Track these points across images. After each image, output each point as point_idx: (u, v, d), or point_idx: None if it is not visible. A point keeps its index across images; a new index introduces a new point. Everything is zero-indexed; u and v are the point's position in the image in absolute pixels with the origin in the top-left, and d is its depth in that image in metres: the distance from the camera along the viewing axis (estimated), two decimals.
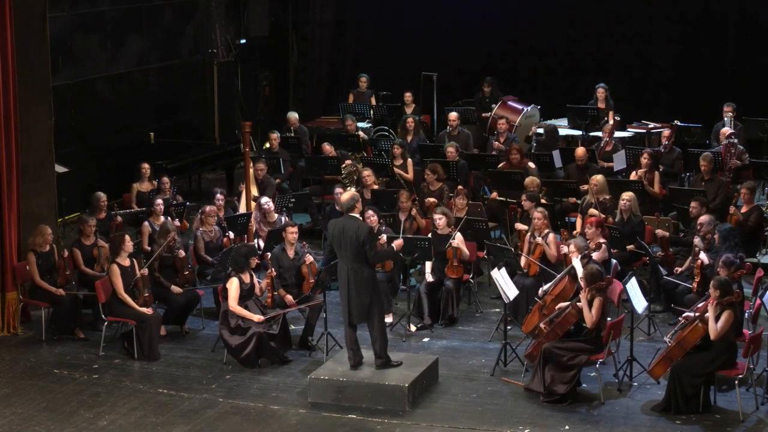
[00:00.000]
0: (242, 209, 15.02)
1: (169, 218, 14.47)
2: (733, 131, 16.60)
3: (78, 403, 11.41)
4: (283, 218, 14.81)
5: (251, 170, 15.27)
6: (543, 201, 14.70)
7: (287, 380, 11.88)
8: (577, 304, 11.30)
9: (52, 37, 14.48)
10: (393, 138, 18.22)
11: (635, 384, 11.53)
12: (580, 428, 10.69)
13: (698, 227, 13.16)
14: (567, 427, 10.71)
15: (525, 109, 19.11)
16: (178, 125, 19.99)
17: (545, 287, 12.26)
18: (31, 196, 13.77)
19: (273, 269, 12.79)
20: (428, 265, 13.39)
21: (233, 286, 12.17)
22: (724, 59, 19.87)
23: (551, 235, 13.39)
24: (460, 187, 15.23)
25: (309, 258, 13.03)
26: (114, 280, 12.54)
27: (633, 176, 15.60)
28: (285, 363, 12.26)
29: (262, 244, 14.01)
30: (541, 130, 17.88)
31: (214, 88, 21.04)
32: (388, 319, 13.01)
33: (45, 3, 14.11)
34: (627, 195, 14.10)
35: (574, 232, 13.95)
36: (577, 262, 12.09)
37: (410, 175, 16.58)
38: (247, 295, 12.27)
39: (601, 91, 18.38)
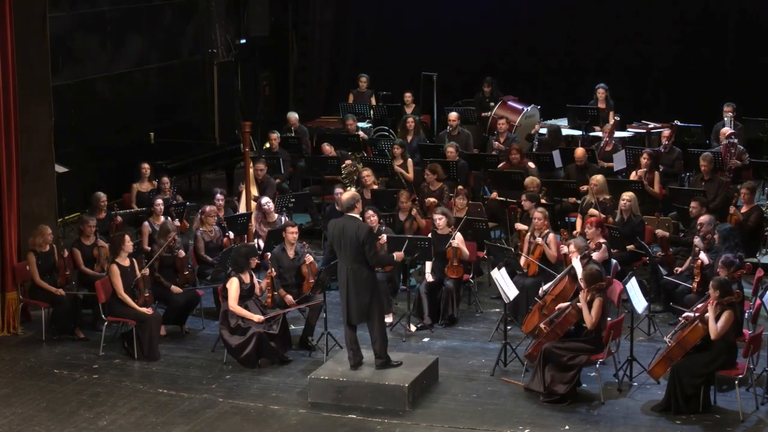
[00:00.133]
0: (242, 209, 15.02)
1: (169, 218, 14.47)
2: (733, 131, 16.60)
3: (78, 403, 11.41)
4: (283, 218, 14.81)
5: (251, 170, 15.27)
6: (543, 201, 14.70)
7: (287, 380, 11.88)
8: (577, 304, 11.30)
9: (52, 37, 14.48)
10: (393, 138, 18.22)
11: (635, 384, 11.53)
12: (580, 428, 10.69)
13: (698, 227, 13.16)
14: (567, 427, 10.71)
15: (525, 109, 19.11)
16: (178, 125, 20.00)
17: (545, 287, 12.26)
18: (31, 196, 13.77)
19: (273, 269, 12.79)
20: (428, 265, 13.39)
21: (233, 286, 12.18)
22: (724, 59, 19.87)
23: (551, 235, 13.39)
24: (460, 187, 15.23)
25: (309, 258, 13.03)
26: (114, 280, 12.54)
27: (633, 176, 15.60)
28: (285, 363, 12.26)
29: (262, 244, 14.01)
30: (544, 130, 17.87)
31: (214, 88, 21.04)
32: (388, 319, 13.01)
33: (45, 3, 14.10)
34: (627, 195, 14.10)
35: (574, 232, 13.95)
36: (577, 262, 12.09)
37: (410, 175, 16.58)
38: (247, 295, 12.27)
39: (601, 92, 18.39)
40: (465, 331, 13.17)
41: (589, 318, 11.14)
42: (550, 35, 20.70)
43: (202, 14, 20.74)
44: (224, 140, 20.49)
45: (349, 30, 22.33)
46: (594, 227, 13.08)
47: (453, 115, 17.95)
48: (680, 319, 11.38)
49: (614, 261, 13.15)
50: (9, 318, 13.23)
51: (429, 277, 13.36)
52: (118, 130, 18.64)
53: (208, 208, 14.36)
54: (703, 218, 13.20)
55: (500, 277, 12.01)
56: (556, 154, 16.57)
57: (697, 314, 10.94)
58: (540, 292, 12.29)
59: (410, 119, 18.06)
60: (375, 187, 15.66)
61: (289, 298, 12.77)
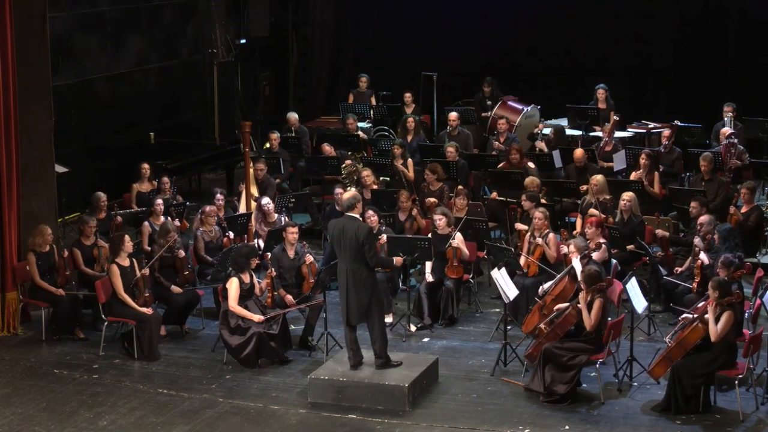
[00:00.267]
0: (242, 209, 15.02)
1: (169, 218, 14.47)
2: (733, 131, 16.60)
3: (78, 403, 11.41)
4: (282, 218, 14.81)
5: (251, 170, 15.26)
6: (543, 201, 14.70)
7: (287, 380, 11.88)
8: (578, 305, 11.29)
9: (52, 37, 14.48)
10: (393, 138, 18.22)
11: (635, 384, 11.53)
12: (580, 428, 10.69)
13: (698, 227, 13.16)
14: (567, 427, 10.71)
15: (525, 109, 19.10)
16: (178, 125, 19.99)
17: (545, 287, 12.26)
18: (31, 196, 13.77)
19: (273, 269, 12.79)
20: (428, 265, 13.38)
21: (233, 286, 12.17)
22: (724, 59, 19.87)
23: (551, 236, 13.39)
24: (460, 187, 15.24)
25: (309, 258, 13.03)
26: (114, 280, 12.54)
27: (633, 176, 15.60)
28: (285, 363, 12.26)
29: (262, 244, 14.01)
30: (547, 131, 17.83)
31: (214, 88, 21.05)
32: (388, 319, 13.01)
33: (45, 3, 14.11)
34: (627, 195, 14.09)
35: (574, 232, 13.95)
36: (576, 263, 12.09)
37: (410, 175, 16.58)
38: (247, 295, 12.27)
39: (601, 92, 18.39)
40: (465, 331, 13.17)
41: (588, 320, 11.14)
42: (550, 35, 20.70)
43: (202, 14, 20.74)
44: (224, 140, 20.49)
45: (349, 30, 22.33)
46: (594, 227, 13.08)
47: (453, 115, 17.95)
48: (679, 319, 11.39)
49: (614, 261, 13.15)
50: (9, 318, 13.23)
51: (429, 277, 13.36)
52: (118, 130, 18.65)
53: (208, 208, 14.36)
54: (703, 218, 13.20)
55: (500, 277, 12.01)
56: (556, 154, 16.57)
57: (695, 316, 10.94)
58: (540, 291, 12.30)
59: (410, 119, 18.06)
60: (375, 187, 15.66)
61: (289, 298, 12.77)
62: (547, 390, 11.18)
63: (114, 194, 16.05)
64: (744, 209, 14.31)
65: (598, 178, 14.83)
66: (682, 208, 14.33)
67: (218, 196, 14.94)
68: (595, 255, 12.49)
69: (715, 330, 10.66)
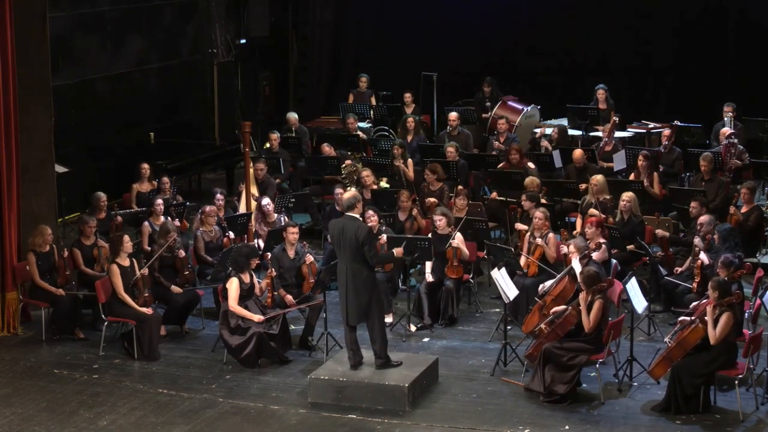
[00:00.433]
0: (242, 209, 15.02)
1: (169, 218, 14.47)
2: (733, 131, 16.60)
3: (78, 403, 11.41)
4: (282, 218, 14.81)
5: (251, 170, 15.27)
6: (543, 201, 14.70)
7: (287, 380, 11.88)
8: (578, 306, 11.28)
9: (52, 37, 14.48)
10: (393, 138, 18.22)
11: (635, 384, 11.53)
12: (580, 428, 10.69)
13: (698, 227, 13.16)
14: (567, 427, 10.71)
15: (525, 109, 19.11)
16: (178, 125, 20.00)
17: (545, 287, 12.26)
18: (31, 196, 13.77)
19: (273, 269, 12.79)
20: (428, 265, 13.38)
21: (233, 286, 12.17)
22: (724, 59, 19.87)
23: (551, 236, 13.39)
24: (460, 187, 15.24)
25: (309, 258, 13.03)
26: (114, 280, 12.54)
27: (633, 176, 15.60)
28: (285, 363, 12.26)
29: (262, 244, 14.01)
30: (549, 131, 17.79)
31: (214, 88, 21.04)
32: (388, 319, 13.01)
33: (45, 3, 14.11)
34: (627, 195, 14.09)
35: (574, 232, 13.95)
36: (576, 263, 12.09)
37: (411, 175, 16.58)
38: (247, 295, 12.27)
39: (601, 93, 18.39)
40: (465, 331, 13.17)
41: (587, 322, 11.13)
42: (550, 35, 20.70)
43: (202, 14, 20.74)
44: (224, 140, 20.49)
45: (349, 30, 22.33)
46: (594, 227, 13.08)
47: (453, 115, 17.95)
48: (678, 321, 11.38)
49: (614, 261, 13.15)
50: (9, 318, 13.23)
51: (429, 277, 13.36)
52: (118, 130, 18.64)
53: (208, 208, 14.36)
54: (703, 218, 13.20)
55: (500, 277, 12.01)
56: (556, 154, 16.57)
57: (695, 317, 10.94)
58: (539, 291, 12.30)
59: (410, 119, 18.06)
60: (375, 187, 15.66)
61: (289, 298, 12.77)
62: (547, 390, 11.18)
63: (114, 194, 16.05)
64: (744, 209, 14.31)
65: (598, 178, 14.83)
66: (682, 208, 14.33)
67: (218, 196, 14.94)
68: (595, 255, 12.49)
69: (714, 334, 10.66)
